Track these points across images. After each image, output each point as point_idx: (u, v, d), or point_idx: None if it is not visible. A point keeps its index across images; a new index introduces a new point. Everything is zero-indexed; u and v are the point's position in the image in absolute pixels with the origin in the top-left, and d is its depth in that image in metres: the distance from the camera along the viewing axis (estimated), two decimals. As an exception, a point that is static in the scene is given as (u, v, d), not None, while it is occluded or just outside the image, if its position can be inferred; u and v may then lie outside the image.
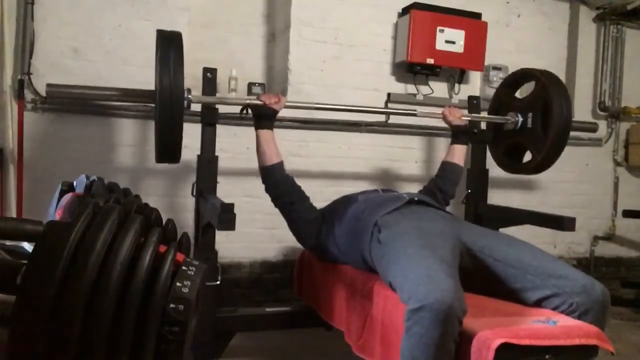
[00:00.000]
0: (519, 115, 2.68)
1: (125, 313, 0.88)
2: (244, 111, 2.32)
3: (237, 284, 3.17)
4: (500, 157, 2.88)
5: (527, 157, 2.80)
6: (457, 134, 2.57)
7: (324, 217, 2.23)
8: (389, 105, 3.48)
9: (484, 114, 2.95)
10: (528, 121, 2.63)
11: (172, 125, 1.98)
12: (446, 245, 1.75)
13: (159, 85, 1.95)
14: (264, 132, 2.24)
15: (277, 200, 2.27)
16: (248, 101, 2.32)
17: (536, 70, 2.70)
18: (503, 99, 2.84)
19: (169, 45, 2.01)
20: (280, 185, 2.24)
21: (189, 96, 2.16)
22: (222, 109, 2.47)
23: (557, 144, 2.54)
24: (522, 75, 2.82)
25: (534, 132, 2.61)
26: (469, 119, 2.69)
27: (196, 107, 2.53)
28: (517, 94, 2.91)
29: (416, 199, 2.15)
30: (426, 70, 3.45)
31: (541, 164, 2.64)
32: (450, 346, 1.44)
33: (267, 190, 2.28)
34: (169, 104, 1.94)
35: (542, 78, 2.60)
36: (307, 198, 2.29)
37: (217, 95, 2.50)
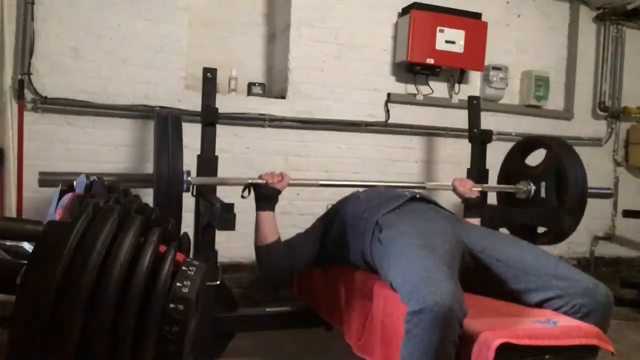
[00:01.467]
0: (531, 184, 2.61)
1: (125, 313, 0.88)
2: (246, 191, 2.17)
3: (237, 284, 3.17)
4: (514, 229, 2.77)
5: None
6: (470, 207, 2.41)
7: (328, 218, 2.23)
8: (389, 104, 3.49)
9: (493, 184, 2.87)
10: (541, 191, 2.56)
11: (172, 210, 1.90)
12: (447, 245, 1.75)
13: (157, 171, 1.92)
14: (266, 214, 2.12)
15: (273, 277, 2.27)
16: (250, 181, 2.17)
17: (545, 137, 2.69)
18: (512, 167, 2.78)
19: (167, 129, 1.97)
20: (277, 263, 2.15)
21: (189, 179, 2.10)
22: (223, 108, 2.47)
23: (575, 217, 2.47)
24: (531, 143, 2.78)
25: (548, 204, 2.53)
26: (480, 189, 2.53)
27: (196, 107, 2.53)
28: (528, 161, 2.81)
29: (417, 196, 2.15)
30: (426, 70, 3.45)
31: (556, 239, 2.59)
32: (450, 349, 1.44)
33: (261, 271, 2.21)
34: (167, 191, 1.90)
35: (554, 147, 2.56)
36: (301, 252, 2.18)
37: (214, 180, 2.37)
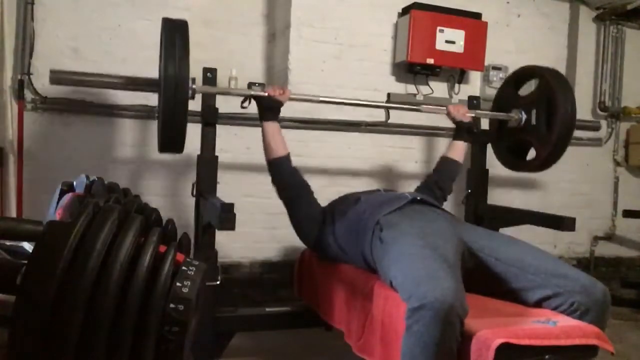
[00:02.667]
0: (523, 113, 2.65)
1: (125, 313, 0.88)
2: (247, 102, 2.30)
3: (237, 284, 3.17)
4: (503, 155, 2.85)
5: (531, 155, 2.76)
6: (460, 130, 2.55)
7: (326, 215, 2.23)
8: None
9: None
10: (532, 118, 2.61)
11: (176, 113, 1.96)
12: (447, 245, 1.75)
13: (164, 71, 1.94)
14: (270, 124, 2.24)
15: (281, 193, 2.27)
16: (252, 93, 2.28)
17: (539, 67, 2.69)
18: (506, 97, 2.82)
19: (175, 33, 1.99)
20: (285, 178, 2.25)
21: (194, 86, 2.14)
22: (223, 108, 2.47)
23: (562, 140, 2.52)
24: (525, 73, 2.80)
25: (538, 129, 2.59)
26: (474, 115, 2.66)
27: (196, 107, 2.53)
28: (520, 93, 2.86)
29: (418, 198, 2.15)
30: (426, 70, 3.45)
31: (546, 161, 2.62)
32: (451, 345, 1.44)
33: (273, 182, 2.28)
34: (174, 91, 1.92)
35: (546, 74, 2.59)
36: (312, 193, 2.29)
37: (219, 89, 2.47)
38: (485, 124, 2.97)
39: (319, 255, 2.30)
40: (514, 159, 2.82)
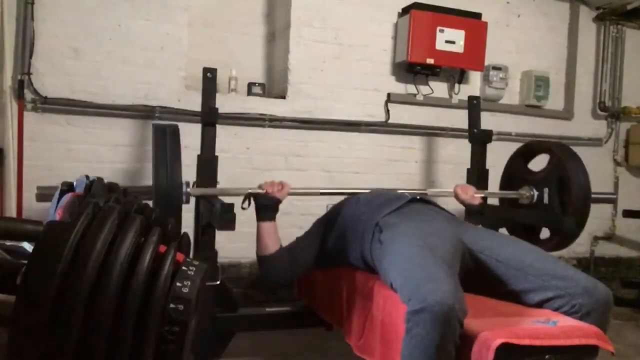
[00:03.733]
0: (534, 190, 2.59)
1: (125, 313, 0.88)
2: (246, 202, 2.15)
3: (237, 284, 3.16)
4: (517, 234, 2.72)
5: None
6: (472, 214, 2.39)
7: (328, 222, 2.22)
8: (389, 104, 3.49)
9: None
10: (544, 196, 2.54)
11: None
12: (447, 245, 1.75)
13: (156, 181, 1.91)
14: (267, 225, 2.10)
15: (276, 287, 2.25)
16: (250, 191, 2.15)
17: (549, 142, 2.68)
18: (515, 171, 2.76)
19: (166, 140, 1.96)
20: (278, 275, 2.15)
21: (188, 190, 2.09)
22: (223, 109, 2.47)
23: (577, 225, 2.46)
24: (535, 148, 2.77)
25: (551, 209, 2.51)
26: (483, 195, 2.54)
27: (196, 107, 2.53)
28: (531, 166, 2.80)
29: (418, 197, 2.15)
30: (426, 70, 3.45)
31: (561, 244, 2.57)
32: (450, 348, 1.44)
33: (263, 280, 2.20)
34: (167, 202, 1.88)
35: (556, 151, 2.55)
36: (306, 256, 2.17)
37: (213, 191, 2.32)
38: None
39: (320, 264, 2.27)
40: (527, 236, 2.61)
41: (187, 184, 2.09)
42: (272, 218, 2.12)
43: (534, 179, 2.65)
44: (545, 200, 2.54)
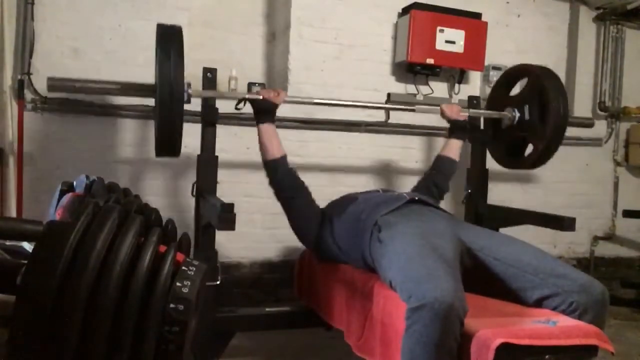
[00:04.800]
0: (516, 111, 2.68)
1: (125, 313, 0.88)
2: (241, 104, 2.31)
3: (237, 284, 3.17)
4: (501, 155, 2.87)
5: (528, 153, 2.78)
6: (455, 128, 2.59)
7: (325, 216, 2.23)
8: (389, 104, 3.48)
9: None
10: (525, 114, 2.63)
11: (172, 117, 1.97)
12: (446, 244, 1.75)
13: (159, 78, 1.95)
14: (266, 126, 2.25)
15: (279, 194, 2.28)
16: (247, 95, 2.31)
17: (528, 65, 2.73)
18: (498, 99, 2.84)
19: (169, 38, 2.00)
20: (282, 179, 2.25)
21: (189, 90, 2.15)
22: (222, 108, 2.47)
23: (557, 131, 2.52)
24: (515, 73, 2.82)
25: (532, 124, 2.61)
26: (467, 114, 2.70)
27: (196, 107, 2.53)
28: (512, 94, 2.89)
29: (417, 198, 2.15)
30: (426, 70, 3.45)
31: (543, 154, 2.62)
32: (451, 345, 1.44)
33: (270, 183, 2.29)
34: (169, 97, 1.93)
35: (535, 71, 2.62)
36: (309, 194, 2.29)
37: (214, 93, 2.47)
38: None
39: (319, 256, 2.30)
40: (510, 157, 2.84)
41: (189, 84, 2.14)
42: (270, 120, 2.27)
43: (515, 101, 2.73)
44: (527, 116, 2.62)
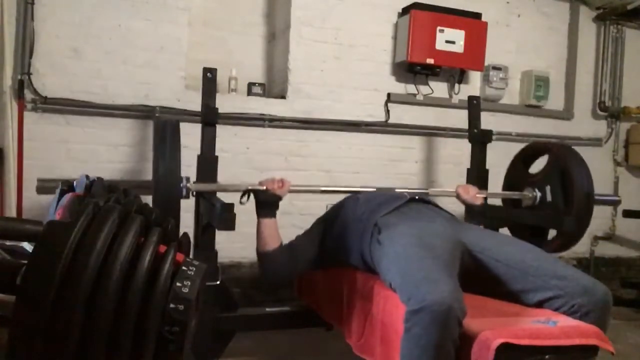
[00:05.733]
0: (537, 190, 2.57)
1: (125, 313, 0.88)
2: (245, 197, 2.14)
3: (237, 284, 3.16)
4: (523, 236, 2.59)
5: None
6: (473, 214, 2.41)
7: (327, 222, 2.22)
8: (389, 104, 3.49)
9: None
10: (547, 195, 2.50)
11: (170, 214, 1.92)
12: (445, 245, 1.75)
13: (156, 173, 1.92)
14: (267, 221, 2.11)
15: (271, 282, 2.24)
16: (250, 187, 2.15)
17: (547, 142, 2.68)
18: (516, 177, 2.73)
19: (166, 135, 1.98)
20: (278, 272, 2.15)
21: (187, 185, 2.10)
22: (223, 108, 2.47)
23: (584, 212, 2.42)
24: (534, 150, 2.75)
25: (555, 205, 2.48)
26: (485, 196, 2.53)
27: (196, 107, 2.54)
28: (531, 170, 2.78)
29: (417, 197, 2.15)
30: (426, 70, 3.45)
31: (568, 242, 2.52)
32: (449, 347, 1.44)
33: (264, 277, 2.19)
34: (167, 197, 1.90)
35: (554, 149, 2.54)
36: (306, 253, 2.16)
37: (214, 186, 2.31)
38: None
39: (321, 265, 2.27)
40: (534, 239, 2.55)
41: (187, 179, 2.11)
42: (272, 215, 2.12)
43: (535, 181, 2.63)
44: (549, 198, 2.51)
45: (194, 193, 2.37)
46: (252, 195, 2.14)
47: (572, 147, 2.65)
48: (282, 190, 2.14)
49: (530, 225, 2.69)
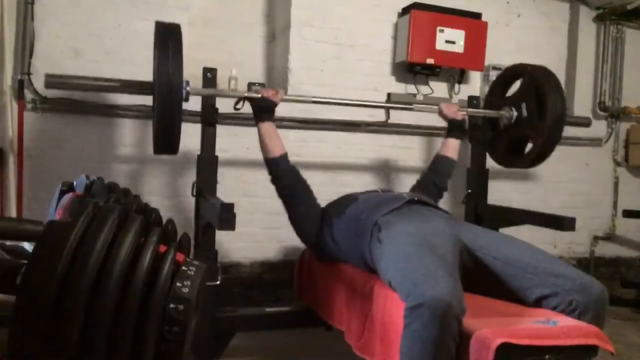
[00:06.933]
0: (513, 109, 2.69)
1: (125, 313, 0.88)
2: (240, 103, 2.32)
3: (237, 284, 3.17)
4: (501, 155, 2.87)
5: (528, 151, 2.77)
6: (453, 128, 2.61)
7: (325, 215, 2.23)
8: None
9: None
10: (523, 111, 2.64)
11: (171, 115, 1.98)
12: (445, 244, 1.75)
13: (157, 74, 1.95)
14: (265, 125, 2.26)
15: (280, 191, 2.28)
16: (246, 94, 2.32)
17: (522, 64, 2.74)
18: (495, 100, 2.84)
19: (168, 36, 2.00)
20: (283, 177, 2.26)
21: (187, 88, 2.15)
22: (222, 108, 2.47)
23: (556, 124, 2.53)
24: (510, 73, 2.83)
25: (530, 120, 2.62)
26: (465, 113, 2.72)
27: (196, 107, 2.53)
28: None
29: (416, 198, 2.15)
30: (426, 70, 3.45)
31: (543, 150, 2.61)
32: (449, 344, 1.44)
33: (272, 181, 2.29)
34: (167, 94, 1.94)
35: (528, 69, 2.63)
36: (311, 193, 2.30)
37: (213, 91, 2.46)
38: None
39: (318, 255, 2.30)
40: (510, 156, 2.84)
41: (187, 82, 2.14)
42: (270, 119, 2.28)
43: (511, 101, 2.74)
44: (525, 114, 2.64)
45: (194, 193, 2.38)
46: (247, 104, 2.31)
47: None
48: (277, 97, 2.30)
49: (507, 144, 2.81)
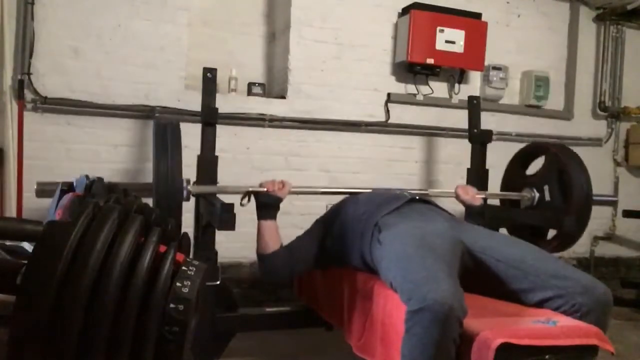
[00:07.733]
0: (535, 191, 2.57)
1: (125, 313, 0.88)
2: (246, 198, 2.13)
3: (237, 284, 3.17)
4: (524, 237, 2.57)
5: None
6: (472, 213, 2.36)
7: (326, 224, 2.22)
8: (389, 104, 3.49)
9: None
10: (545, 195, 2.50)
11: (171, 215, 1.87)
12: (446, 245, 1.75)
13: (157, 178, 1.90)
14: (268, 223, 2.09)
15: (263, 277, 2.21)
16: (250, 189, 2.14)
17: (544, 143, 2.69)
18: (514, 178, 2.73)
19: (166, 137, 1.96)
20: (272, 274, 2.15)
21: (188, 187, 2.09)
22: (223, 108, 2.47)
23: (583, 210, 2.42)
24: (531, 151, 2.75)
25: (553, 204, 2.49)
26: (484, 197, 2.50)
27: (196, 107, 2.54)
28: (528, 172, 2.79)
29: (417, 197, 2.14)
30: (426, 70, 3.45)
31: (566, 239, 2.51)
32: (449, 347, 1.44)
33: (264, 276, 2.18)
34: (168, 199, 1.88)
35: (552, 149, 2.54)
36: (302, 255, 2.15)
37: (214, 188, 2.31)
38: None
39: (320, 258, 2.27)
40: (533, 239, 2.54)
41: (188, 181, 2.09)
42: (273, 217, 2.12)
43: (533, 181, 2.64)
44: (547, 198, 2.51)
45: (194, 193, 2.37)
46: (252, 197, 2.13)
47: (570, 147, 2.65)
48: (283, 192, 2.13)
49: (530, 225, 2.68)
